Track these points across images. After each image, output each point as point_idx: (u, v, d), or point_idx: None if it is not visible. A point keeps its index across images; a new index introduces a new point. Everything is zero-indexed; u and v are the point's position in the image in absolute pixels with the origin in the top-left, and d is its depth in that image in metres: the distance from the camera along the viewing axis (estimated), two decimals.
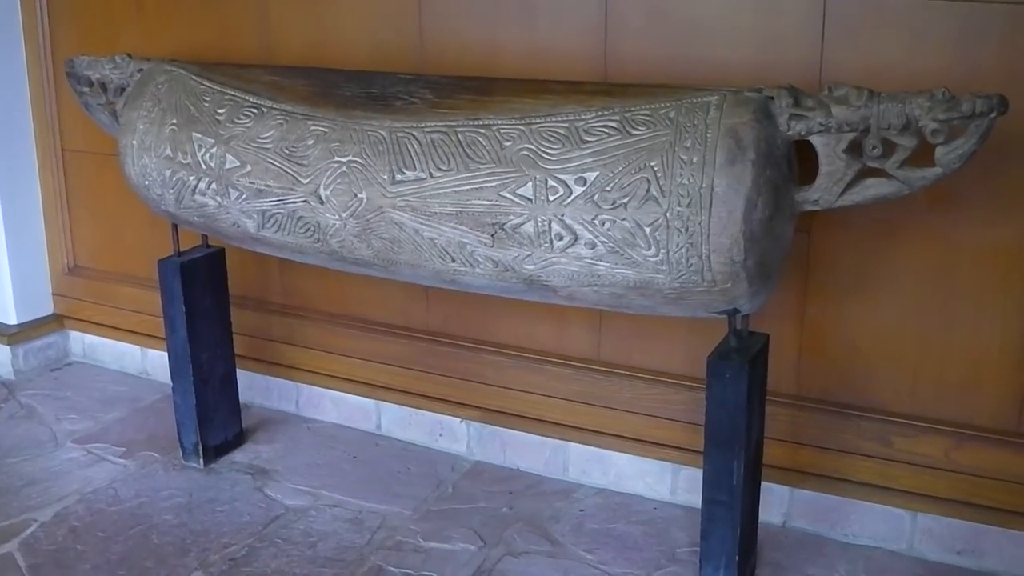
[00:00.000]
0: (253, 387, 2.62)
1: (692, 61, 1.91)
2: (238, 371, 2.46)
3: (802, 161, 1.63)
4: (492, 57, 2.11)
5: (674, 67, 1.92)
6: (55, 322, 3.00)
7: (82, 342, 2.98)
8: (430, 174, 1.76)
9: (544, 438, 2.27)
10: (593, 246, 1.66)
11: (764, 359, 1.78)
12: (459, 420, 2.38)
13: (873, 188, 1.60)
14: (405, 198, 1.78)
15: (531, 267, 1.73)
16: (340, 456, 2.43)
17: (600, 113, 1.67)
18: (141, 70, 2.20)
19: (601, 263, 1.67)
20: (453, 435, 2.40)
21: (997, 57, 1.68)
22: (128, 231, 2.73)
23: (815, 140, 1.59)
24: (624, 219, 1.62)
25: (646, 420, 2.15)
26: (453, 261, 1.79)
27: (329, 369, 2.51)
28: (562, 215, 1.66)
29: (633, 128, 1.64)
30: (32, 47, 2.78)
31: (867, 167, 1.59)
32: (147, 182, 2.11)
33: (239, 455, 2.45)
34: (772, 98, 1.60)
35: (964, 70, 1.69)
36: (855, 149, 1.58)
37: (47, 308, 3.00)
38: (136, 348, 2.85)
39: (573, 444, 2.24)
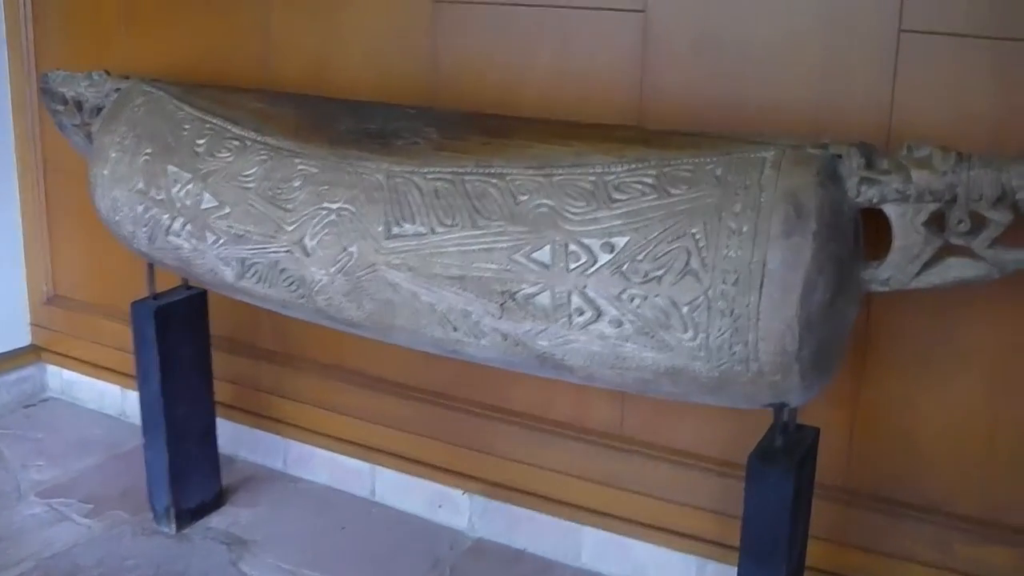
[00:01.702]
0: (238, 439, 2.38)
1: (742, 98, 1.66)
2: (222, 421, 2.23)
3: (869, 230, 1.35)
4: (516, 84, 1.86)
5: (721, 104, 1.66)
6: (32, 354, 2.78)
7: (60, 377, 2.75)
8: (432, 229, 1.50)
9: (555, 519, 2.01)
10: (619, 324, 1.39)
11: (813, 458, 1.52)
12: (461, 492, 2.11)
13: (956, 269, 1.33)
14: (402, 255, 1.52)
15: (545, 343, 1.46)
16: (328, 525, 2.18)
17: (634, 166, 1.41)
18: (118, 89, 1.95)
19: (627, 344, 1.40)
20: (455, 507, 2.15)
21: None
22: (113, 261, 2.48)
23: (889, 209, 1.32)
24: (657, 296, 1.36)
25: (671, 507, 1.90)
26: (455, 331, 1.53)
27: (321, 426, 2.27)
28: (584, 287, 1.40)
29: (672, 186, 1.37)
30: (15, 58, 2.57)
31: (950, 244, 1.31)
32: (118, 217, 1.86)
33: (216, 519, 2.20)
34: (840, 156, 1.33)
35: None
36: (937, 222, 1.31)
37: (23, 339, 2.78)
38: (117, 388, 2.62)
39: (588, 528, 1.99)
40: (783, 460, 1.45)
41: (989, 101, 1.48)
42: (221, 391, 2.22)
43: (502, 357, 1.55)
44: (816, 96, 1.60)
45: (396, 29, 1.98)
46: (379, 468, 2.24)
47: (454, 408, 2.09)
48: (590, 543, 1.99)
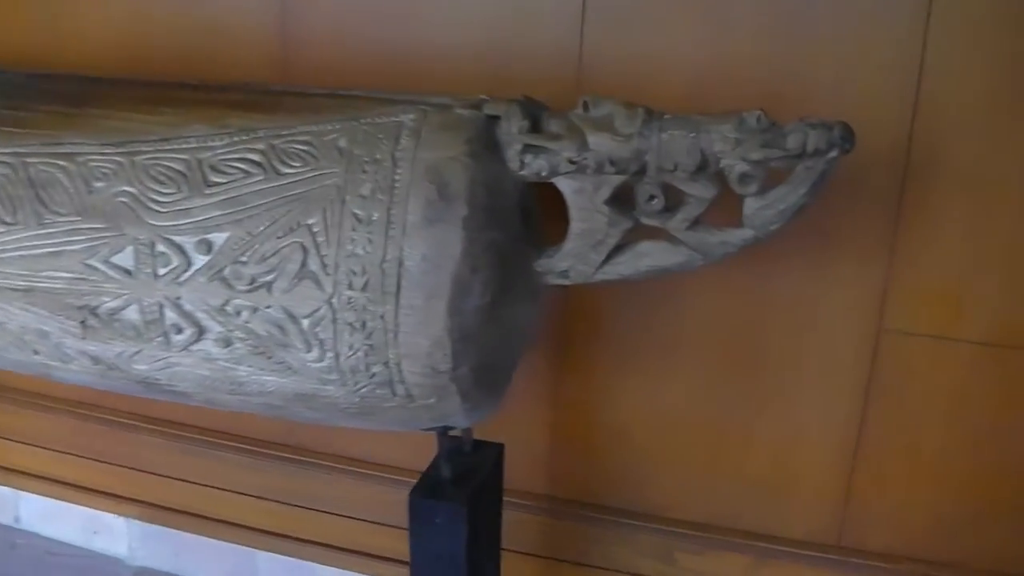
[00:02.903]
0: None
1: (407, 45, 1.32)
2: None
3: (552, 207, 1.05)
4: (142, 36, 1.43)
5: (380, 53, 1.32)
6: None
7: None
8: None
9: (226, 543, 1.66)
10: (227, 343, 1.05)
11: (497, 483, 1.22)
12: (115, 516, 1.74)
13: (651, 256, 1.05)
14: None
15: (143, 367, 1.11)
16: None
17: (237, 140, 1.05)
18: None
19: (241, 367, 1.06)
20: (111, 533, 1.77)
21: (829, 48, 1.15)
22: None
23: (563, 184, 1.02)
24: (269, 307, 1.02)
25: (357, 525, 1.59)
26: (37, 354, 1.16)
27: None
28: (178, 297, 1.05)
29: (284, 164, 1.03)
30: None
31: (642, 225, 1.02)
32: None
33: None
34: (498, 118, 1.01)
35: (785, 69, 1.14)
36: (624, 199, 1.01)
37: None
38: None
39: (262, 552, 1.64)
40: (453, 494, 1.15)
41: (694, 47, 1.18)
42: None
43: (100, 383, 1.19)
44: (498, 41, 1.27)
45: None
46: (23, 493, 1.81)
47: (101, 420, 1.71)
48: (266, 569, 1.66)
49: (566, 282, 1.08)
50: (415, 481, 1.21)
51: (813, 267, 1.25)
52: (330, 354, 1.04)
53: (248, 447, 1.63)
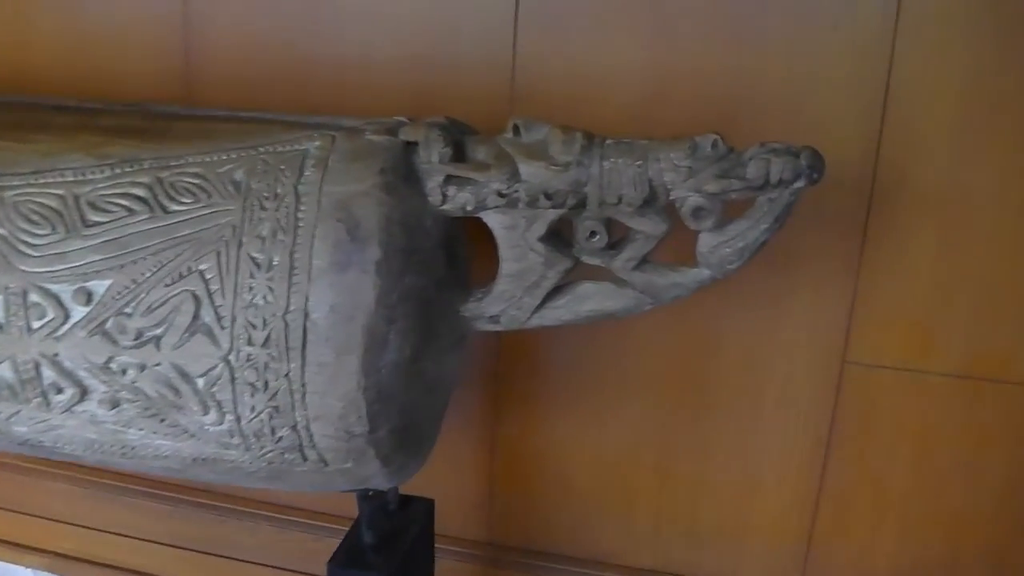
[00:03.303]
0: None
1: (324, 59, 1.18)
2: None
3: (483, 242, 0.93)
4: (23, 47, 1.29)
5: (293, 69, 1.17)
6: None
7: None
8: None
9: None
10: (114, 405, 0.92)
11: (427, 545, 1.09)
12: (20, 567, 1.59)
13: (593, 299, 0.94)
14: None
15: (23, 429, 0.98)
16: None
17: (119, 170, 0.91)
18: None
19: (131, 431, 0.94)
20: None
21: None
22: None
23: (492, 220, 0.90)
24: (158, 365, 0.89)
25: (279, 575, 1.43)
26: None
27: None
28: (55, 354, 0.92)
29: (172, 199, 0.90)
30: None
31: (583, 264, 0.90)
32: None
33: None
34: (416, 144, 0.88)
35: (739, 84, 1.03)
36: (562, 235, 0.90)
37: None
38: None
39: None
40: (376, 562, 1.03)
41: (640, 55, 1.07)
42: None
43: None
44: (422, 51, 1.14)
45: None
46: None
47: (2, 465, 1.55)
48: None
49: (498, 328, 0.96)
50: (342, 528, 1.09)
51: (770, 296, 1.14)
52: (230, 417, 0.91)
53: (161, 492, 1.49)
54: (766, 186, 0.83)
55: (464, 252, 0.99)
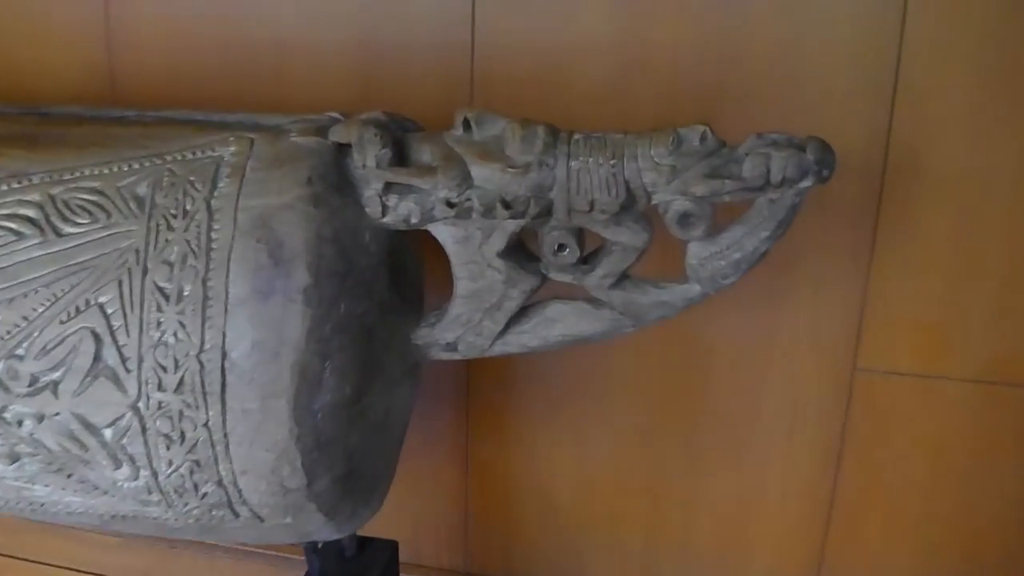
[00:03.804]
0: None
1: (254, 42, 1.03)
2: None
3: (438, 255, 0.79)
4: None
5: (224, 55, 1.03)
6: None
7: None
8: None
9: None
10: (14, 459, 0.79)
11: None
12: None
13: (564, 322, 0.80)
14: None
15: None
16: None
17: (6, 186, 0.79)
18: None
19: (37, 487, 0.81)
20: None
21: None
22: None
23: (442, 233, 0.76)
24: (58, 414, 0.76)
25: None
26: None
27: None
28: None
29: (65, 220, 0.76)
30: None
31: (552, 282, 0.76)
32: None
33: None
34: (348, 145, 0.74)
35: (726, 58, 0.90)
36: (527, 248, 0.75)
37: None
38: None
39: None
40: None
41: (616, 25, 0.92)
42: None
43: None
44: (370, 31, 1.00)
45: None
46: None
47: None
48: None
49: (455, 357, 0.82)
50: (303, 560, 0.96)
51: (768, 296, 1.00)
52: (145, 472, 0.78)
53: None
54: (766, 186, 0.69)
55: (414, 269, 0.85)
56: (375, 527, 1.01)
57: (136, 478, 0.79)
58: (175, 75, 1.08)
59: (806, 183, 0.70)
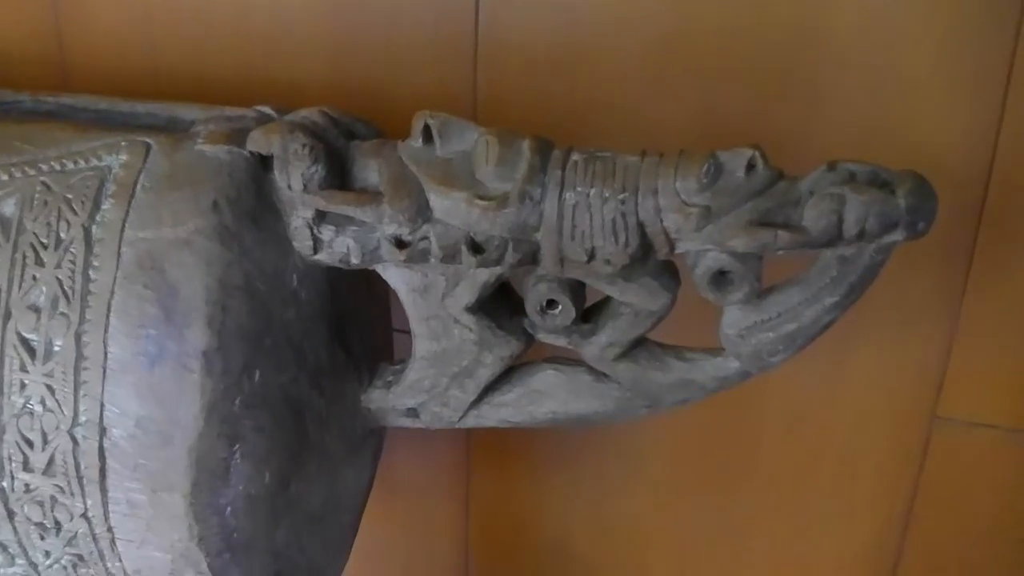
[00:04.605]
0: None
1: (211, 27, 0.84)
2: None
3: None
4: None
5: (184, 41, 0.85)
6: None
7: None
8: None
9: None
10: None
11: None
12: None
13: (556, 398, 0.64)
14: None
15: None
16: None
17: None
18: None
19: None
20: None
21: None
22: None
23: (392, 278, 0.56)
24: None
25: None
26: None
27: None
28: None
29: None
30: None
31: (542, 345, 0.58)
32: None
33: None
34: (269, 158, 0.54)
35: (791, 45, 0.70)
36: (505, 302, 0.56)
37: None
38: None
39: None
40: None
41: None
42: None
43: None
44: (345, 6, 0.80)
45: None
46: None
47: None
48: None
49: (419, 426, 0.63)
50: None
51: (832, 331, 0.79)
52: (21, 561, 0.61)
53: None
54: (837, 240, 0.49)
55: (374, 306, 0.66)
56: (360, 569, 0.85)
57: (12, 565, 0.62)
58: (129, 47, 0.90)
59: (893, 237, 0.49)
